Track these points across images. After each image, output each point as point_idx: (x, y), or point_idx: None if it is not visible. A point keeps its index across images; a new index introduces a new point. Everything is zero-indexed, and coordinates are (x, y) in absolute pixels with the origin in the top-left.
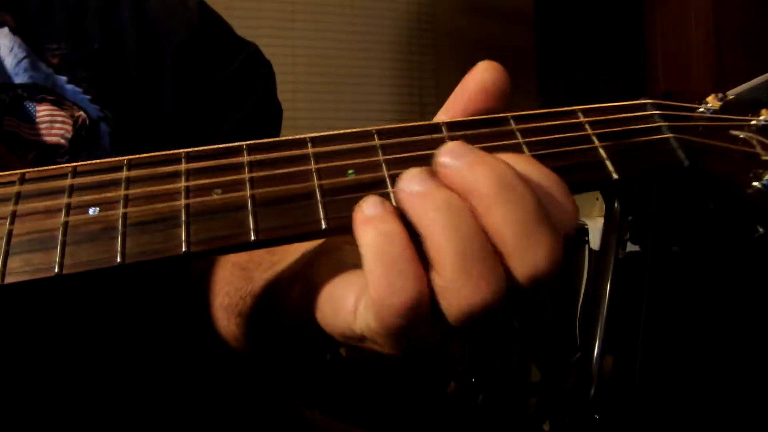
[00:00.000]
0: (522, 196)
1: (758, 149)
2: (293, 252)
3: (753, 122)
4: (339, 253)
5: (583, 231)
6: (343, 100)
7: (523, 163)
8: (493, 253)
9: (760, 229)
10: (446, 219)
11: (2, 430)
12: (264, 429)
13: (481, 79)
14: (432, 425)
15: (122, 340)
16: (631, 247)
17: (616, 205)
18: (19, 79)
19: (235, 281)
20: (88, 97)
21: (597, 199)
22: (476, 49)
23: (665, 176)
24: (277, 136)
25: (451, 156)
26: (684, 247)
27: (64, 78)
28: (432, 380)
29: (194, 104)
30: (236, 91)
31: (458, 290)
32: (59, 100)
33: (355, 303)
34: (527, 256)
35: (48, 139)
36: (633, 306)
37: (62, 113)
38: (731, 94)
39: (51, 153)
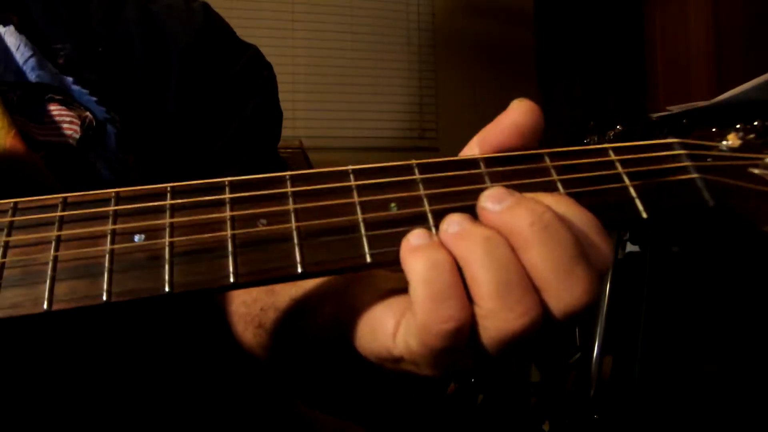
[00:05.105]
0: (560, 236)
1: None
2: None
3: (766, 159)
4: (375, 278)
5: None
6: (342, 100)
7: (563, 205)
8: (529, 285)
9: None
10: (484, 251)
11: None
12: (262, 427)
13: (517, 122)
14: (432, 425)
15: (127, 338)
16: (630, 247)
17: None
18: (27, 77)
19: (252, 291)
20: (95, 98)
21: None
22: (476, 49)
23: (691, 215)
24: (278, 138)
25: (492, 201)
26: (684, 247)
27: (70, 79)
28: (432, 380)
29: (198, 105)
30: (239, 92)
31: (495, 318)
32: (67, 100)
33: (395, 327)
34: (564, 293)
35: (57, 138)
36: (632, 306)
37: (70, 113)
38: (728, 94)
39: (60, 153)
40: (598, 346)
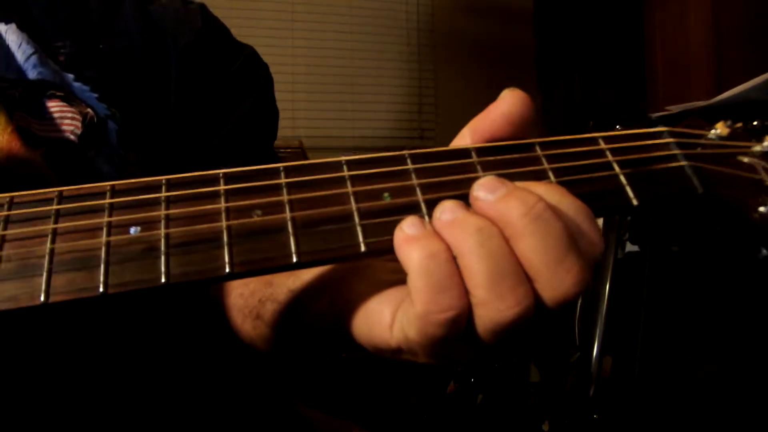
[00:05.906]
0: (551, 226)
1: (763, 175)
2: None
3: (757, 148)
4: (370, 269)
5: None
6: (342, 100)
7: (554, 195)
8: (522, 275)
9: (765, 251)
10: (476, 241)
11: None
12: (261, 427)
13: (507, 111)
14: (432, 425)
15: (125, 335)
16: (630, 247)
17: None
18: (29, 75)
19: (250, 283)
20: (95, 95)
21: None
22: (476, 49)
23: (680, 202)
24: (275, 135)
25: (485, 190)
26: (683, 247)
27: (71, 76)
28: (432, 380)
29: (197, 102)
30: (237, 90)
31: (488, 308)
32: (68, 97)
33: (392, 318)
34: (555, 282)
35: (58, 135)
36: (632, 306)
37: (72, 109)
38: (728, 94)
39: (61, 149)
40: (597, 346)
